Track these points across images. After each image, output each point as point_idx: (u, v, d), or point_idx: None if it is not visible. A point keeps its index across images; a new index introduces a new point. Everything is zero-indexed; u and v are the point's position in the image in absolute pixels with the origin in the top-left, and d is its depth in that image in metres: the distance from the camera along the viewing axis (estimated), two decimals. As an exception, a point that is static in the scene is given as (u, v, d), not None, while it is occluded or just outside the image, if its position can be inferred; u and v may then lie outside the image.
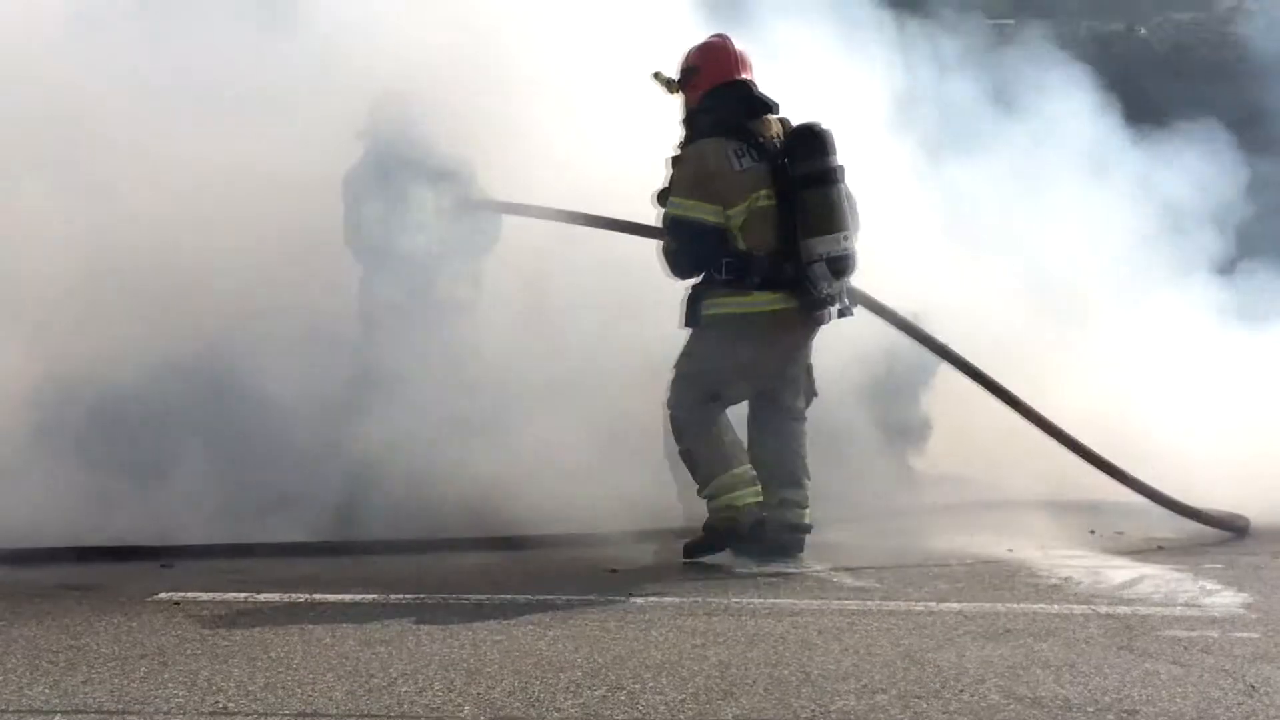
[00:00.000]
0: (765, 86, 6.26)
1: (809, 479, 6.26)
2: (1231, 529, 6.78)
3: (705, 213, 6.04)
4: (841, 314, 6.14)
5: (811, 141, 6.06)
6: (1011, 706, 3.83)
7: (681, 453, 6.14)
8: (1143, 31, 13.70)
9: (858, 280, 6.37)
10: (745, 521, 6.01)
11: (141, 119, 6.99)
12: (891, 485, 7.40)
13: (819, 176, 6.00)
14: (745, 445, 6.18)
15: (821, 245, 5.93)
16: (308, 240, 7.08)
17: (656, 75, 6.31)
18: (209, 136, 7.00)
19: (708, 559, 6.04)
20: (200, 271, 6.98)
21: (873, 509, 7.21)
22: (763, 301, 6.03)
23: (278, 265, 7.03)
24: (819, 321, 6.13)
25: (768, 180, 6.03)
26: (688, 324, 6.16)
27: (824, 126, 6.11)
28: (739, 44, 6.31)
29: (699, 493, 6.10)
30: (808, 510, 6.22)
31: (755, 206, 6.02)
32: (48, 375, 6.69)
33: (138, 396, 6.79)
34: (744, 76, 6.24)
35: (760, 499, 6.06)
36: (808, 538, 6.21)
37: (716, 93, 6.20)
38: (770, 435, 6.26)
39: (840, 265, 5.98)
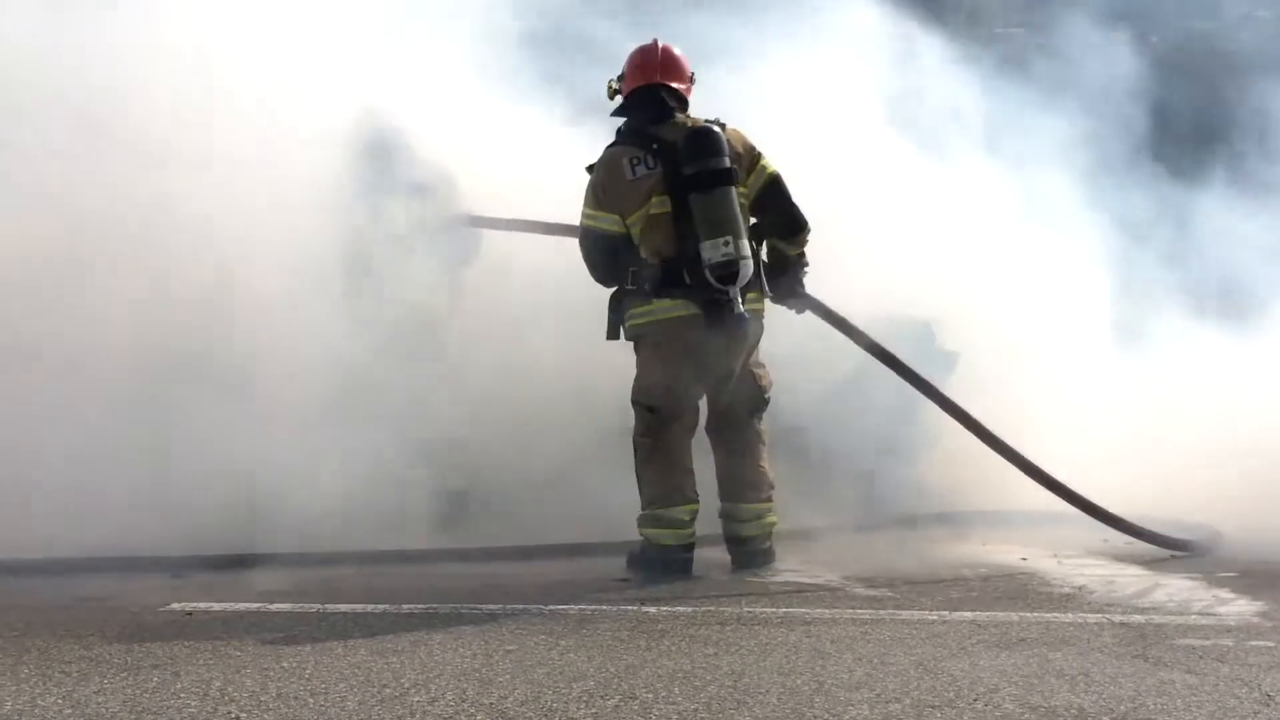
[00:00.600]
0: (705, 90, 6.26)
1: (765, 488, 6.18)
2: (1182, 549, 6.61)
3: (607, 222, 6.08)
4: (736, 321, 5.94)
5: (697, 143, 5.97)
6: (1026, 716, 3.82)
7: (635, 474, 6.15)
8: (1154, 40, 13.67)
9: (863, 292, 6.37)
10: (662, 559, 6.02)
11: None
12: (903, 494, 7.38)
13: (704, 179, 5.91)
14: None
15: (706, 250, 5.86)
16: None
17: (609, 83, 6.34)
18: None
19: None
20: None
21: (884, 518, 7.20)
22: (663, 309, 6.00)
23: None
24: (728, 327, 5.97)
25: (661, 186, 5.99)
26: (609, 336, 6.16)
27: (713, 127, 6.04)
28: (678, 49, 6.29)
29: (639, 515, 6.13)
30: (751, 523, 6.16)
31: (650, 214, 5.99)
32: (59, 380, 6.70)
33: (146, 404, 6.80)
34: (662, 80, 6.18)
35: (688, 541, 6.05)
36: (763, 545, 6.18)
37: (631, 97, 6.22)
38: (720, 446, 6.25)
39: (722, 271, 5.85)
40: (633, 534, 6.17)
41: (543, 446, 7.22)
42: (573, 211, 6.36)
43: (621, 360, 6.69)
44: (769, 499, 6.22)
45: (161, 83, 7.02)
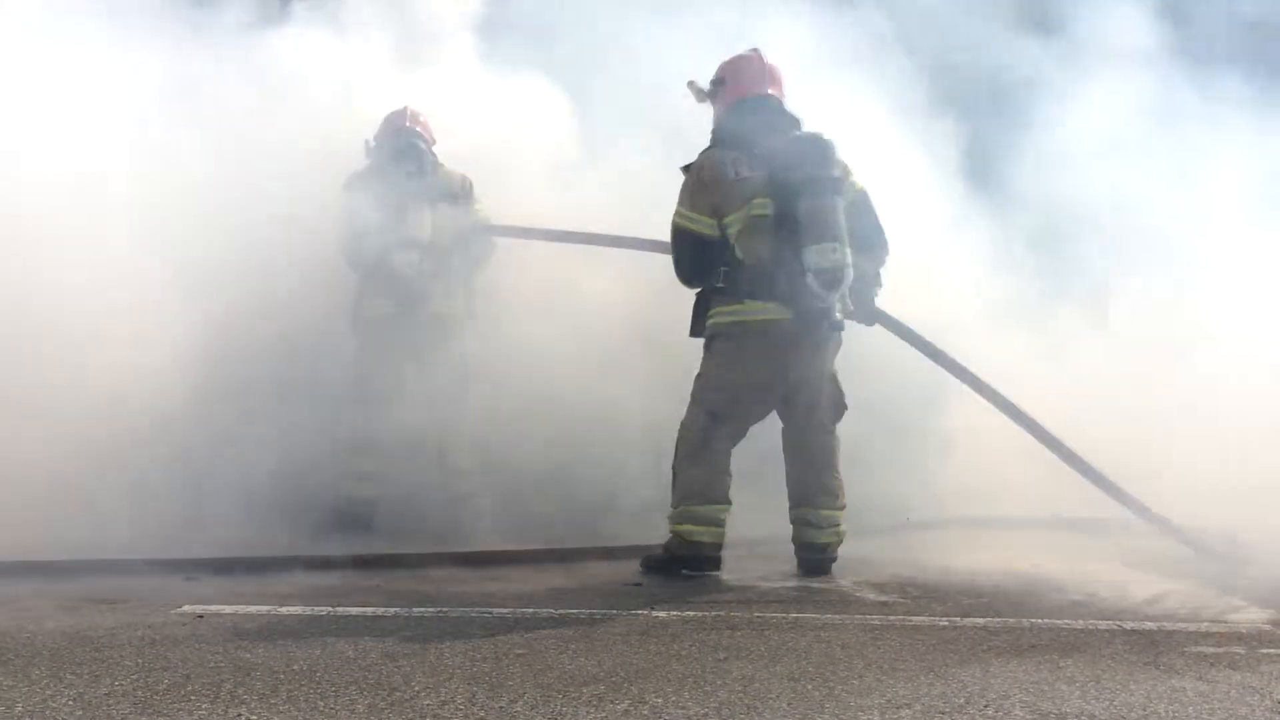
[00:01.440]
0: (796, 101, 6.29)
1: (837, 495, 6.22)
2: (1236, 563, 6.57)
3: (701, 225, 6.10)
4: (832, 327, 6.05)
5: (808, 150, 6.04)
6: (1036, 722, 3.81)
7: (672, 467, 6.16)
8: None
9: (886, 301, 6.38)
10: (695, 555, 6.05)
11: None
12: (915, 499, 7.38)
13: (812, 186, 5.96)
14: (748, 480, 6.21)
15: (811, 256, 5.90)
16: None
17: (690, 84, 6.36)
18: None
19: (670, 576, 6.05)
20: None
21: (896, 523, 7.20)
22: (755, 310, 6.02)
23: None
24: (820, 333, 6.04)
25: (765, 190, 6.03)
26: (693, 333, 6.19)
27: (824, 137, 6.10)
28: (770, 58, 6.34)
29: (670, 510, 6.12)
30: (827, 530, 6.19)
31: (751, 215, 6.02)
32: (79, 388, 6.72)
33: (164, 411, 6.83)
34: (770, 91, 6.25)
35: (719, 540, 6.07)
36: (834, 554, 6.20)
37: (740, 106, 6.23)
38: (793, 452, 6.25)
39: (829, 277, 5.91)
40: (642, 538, 6.18)
41: (549, 450, 7.25)
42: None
43: (622, 362, 6.74)
44: (843, 507, 6.25)
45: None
